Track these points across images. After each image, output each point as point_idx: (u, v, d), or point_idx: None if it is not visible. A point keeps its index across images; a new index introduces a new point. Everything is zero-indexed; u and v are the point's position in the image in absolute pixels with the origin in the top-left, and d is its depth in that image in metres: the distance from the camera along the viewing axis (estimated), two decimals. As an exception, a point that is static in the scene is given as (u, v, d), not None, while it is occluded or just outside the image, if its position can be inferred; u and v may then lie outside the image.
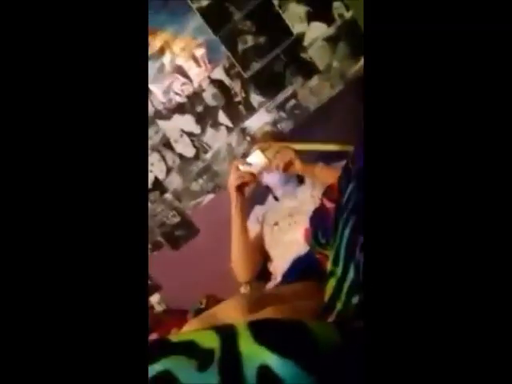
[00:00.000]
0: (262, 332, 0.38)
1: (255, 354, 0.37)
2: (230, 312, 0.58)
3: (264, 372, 0.36)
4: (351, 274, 0.51)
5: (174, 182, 1.75)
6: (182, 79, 1.65)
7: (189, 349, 0.39)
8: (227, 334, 0.39)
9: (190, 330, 0.50)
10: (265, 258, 1.10)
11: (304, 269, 0.81)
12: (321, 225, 0.75)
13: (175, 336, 0.43)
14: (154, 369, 0.39)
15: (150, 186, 1.77)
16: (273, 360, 0.36)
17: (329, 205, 0.77)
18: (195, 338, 0.40)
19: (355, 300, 0.50)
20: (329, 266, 0.56)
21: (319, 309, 0.56)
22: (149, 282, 1.88)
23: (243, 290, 1.44)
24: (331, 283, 0.54)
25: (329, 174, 0.94)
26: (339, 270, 0.53)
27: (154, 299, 1.88)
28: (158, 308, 1.88)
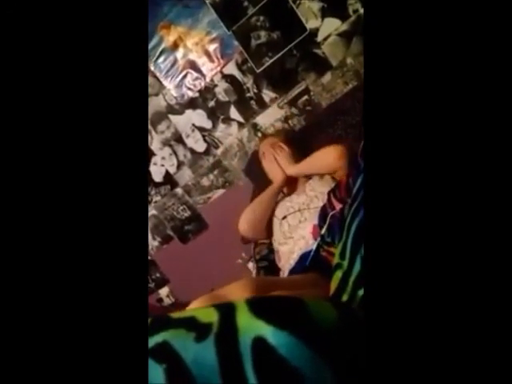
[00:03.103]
0: (260, 306, 0.39)
1: (251, 327, 0.37)
2: (238, 293, 0.58)
3: (259, 343, 0.37)
4: (357, 267, 0.50)
5: (185, 176, 1.76)
6: (195, 74, 1.65)
7: (188, 323, 0.40)
8: (226, 309, 0.40)
9: (191, 308, 0.51)
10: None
11: (310, 264, 0.81)
12: (327, 223, 0.74)
13: (176, 313, 0.44)
14: (152, 340, 0.40)
15: (161, 179, 1.79)
16: (268, 332, 0.36)
17: (336, 204, 0.76)
18: (195, 313, 0.41)
19: (361, 292, 0.50)
20: (335, 258, 0.56)
21: (322, 296, 0.56)
22: (158, 275, 1.90)
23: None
24: (337, 275, 0.54)
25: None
26: (346, 263, 0.53)
27: (163, 292, 1.90)
28: (167, 301, 1.90)
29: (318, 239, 0.78)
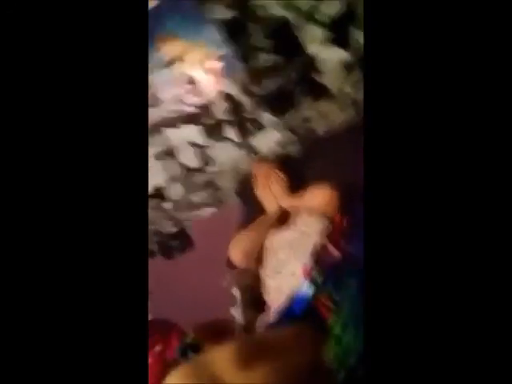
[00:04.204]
0: None
1: None
2: (224, 364, 0.55)
3: None
4: (357, 342, 0.48)
5: (175, 191, 1.73)
6: (194, 90, 1.63)
7: None
8: None
9: None
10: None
11: (299, 311, 0.79)
12: (321, 269, 0.72)
13: None
14: None
15: (150, 193, 1.75)
16: None
17: (331, 248, 0.75)
18: None
19: (360, 370, 0.47)
20: (333, 328, 0.54)
21: (317, 366, 0.53)
22: (138, 290, 1.85)
23: (233, 311, 1.41)
24: (334, 349, 0.51)
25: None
26: (346, 337, 0.50)
27: (142, 308, 1.85)
28: (145, 317, 1.85)
29: (310, 283, 0.76)
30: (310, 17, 1.49)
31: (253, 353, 0.55)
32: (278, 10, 1.50)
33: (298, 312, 0.72)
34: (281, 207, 1.20)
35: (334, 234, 0.80)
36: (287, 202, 1.18)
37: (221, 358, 0.55)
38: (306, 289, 0.76)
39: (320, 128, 1.60)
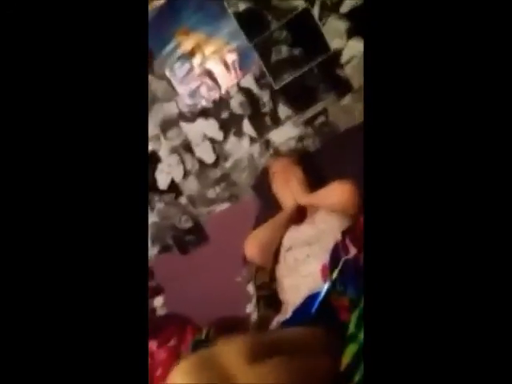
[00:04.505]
0: None
1: None
2: (232, 357, 0.52)
3: None
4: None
5: (191, 186, 1.72)
6: (211, 83, 1.61)
7: None
8: None
9: None
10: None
11: (317, 312, 0.76)
12: (339, 268, 0.69)
13: None
14: None
15: (165, 187, 1.74)
16: None
17: (351, 247, 0.71)
18: None
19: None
20: (350, 328, 0.51)
21: (333, 370, 0.50)
22: (153, 284, 1.85)
23: (248, 308, 1.39)
24: (351, 350, 0.48)
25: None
26: (362, 336, 0.47)
27: (157, 302, 1.85)
28: (160, 312, 1.85)
29: (328, 284, 0.72)
30: (332, 8, 1.45)
31: (264, 349, 0.52)
32: (298, 1, 1.46)
33: (315, 312, 0.69)
34: (298, 204, 1.17)
35: (354, 232, 0.77)
36: (305, 198, 1.15)
37: (230, 350, 0.52)
38: (324, 289, 0.73)
39: (341, 124, 1.55)
